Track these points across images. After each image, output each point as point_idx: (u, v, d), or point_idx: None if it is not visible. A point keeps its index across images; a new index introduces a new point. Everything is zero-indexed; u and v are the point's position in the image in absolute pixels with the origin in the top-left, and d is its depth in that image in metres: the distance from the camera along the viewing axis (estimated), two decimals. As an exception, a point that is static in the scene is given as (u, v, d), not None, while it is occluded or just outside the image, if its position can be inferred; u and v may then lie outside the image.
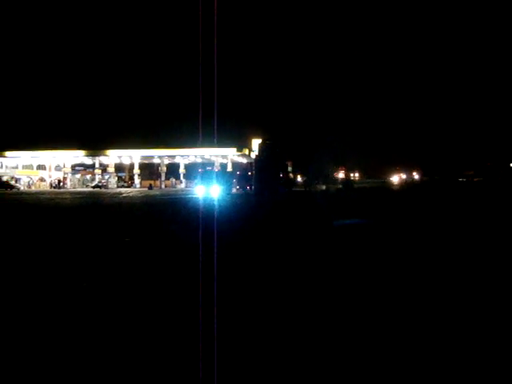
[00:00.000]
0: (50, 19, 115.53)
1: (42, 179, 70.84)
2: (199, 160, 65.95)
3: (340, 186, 49.11)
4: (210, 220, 11.31)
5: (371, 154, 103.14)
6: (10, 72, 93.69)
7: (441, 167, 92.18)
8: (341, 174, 59.47)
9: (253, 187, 41.41)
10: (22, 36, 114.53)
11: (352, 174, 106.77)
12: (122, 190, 56.33)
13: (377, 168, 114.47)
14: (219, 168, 56.44)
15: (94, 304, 3.84)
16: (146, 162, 70.82)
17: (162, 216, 13.30)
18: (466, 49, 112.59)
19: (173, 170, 70.94)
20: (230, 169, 59.56)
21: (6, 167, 68.77)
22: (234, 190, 39.66)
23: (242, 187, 44.49)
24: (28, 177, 69.88)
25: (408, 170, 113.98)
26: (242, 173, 52.17)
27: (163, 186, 65.95)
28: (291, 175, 58.16)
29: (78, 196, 33.96)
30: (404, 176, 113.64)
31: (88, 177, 72.97)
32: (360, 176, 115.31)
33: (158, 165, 69.04)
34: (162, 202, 22.44)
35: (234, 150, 62.39)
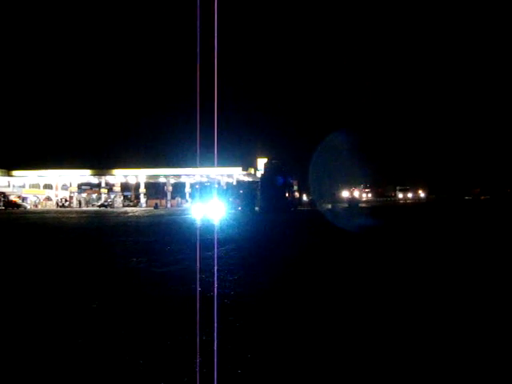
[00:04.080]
0: (57, 33, 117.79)
1: (48, 198, 71.30)
2: (205, 179, 66.22)
3: (346, 205, 49.05)
4: (218, 242, 11.34)
5: (381, 174, 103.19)
6: (18, 93, 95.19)
7: (447, 185, 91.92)
8: (347, 193, 59.44)
9: (241, 206, 41.19)
10: (28, 55, 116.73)
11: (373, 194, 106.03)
12: (128, 209, 56.45)
13: (389, 187, 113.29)
14: (219, 185, 56.43)
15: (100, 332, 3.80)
16: (152, 181, 71.23)
17: (168, 237, 13.26)
18: (472, 64, 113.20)
19: (178, 189, 71.26)
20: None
21: (14, 186, 69.35)
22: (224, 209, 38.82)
23: (234, 207, 42.34)
24: (35, 196, 70.36)
25: (415, 188, 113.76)
26: (232, 190, 49.31)
27: (169, 206, 66.11)
28: (297, 194, 58.18)
29: (83, 215, 34.06)
30: (411, 195, 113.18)
31: (94, 196, 73.38)
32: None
33: (164, 184, 69.39)
34: (167, 222, 22.43)
35: (240, 169, 62.71)
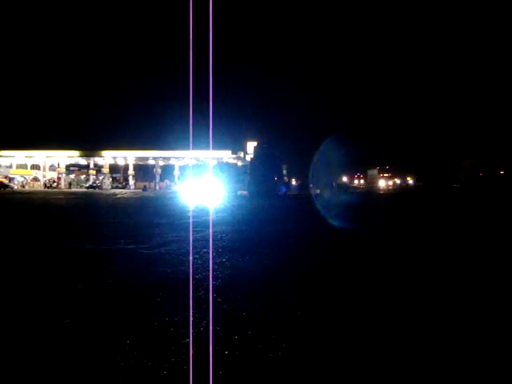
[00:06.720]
0: (46, 19, 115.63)
1: (36, 179, 70.58)
2: (194, 162, 66.05)
3: (335, 190, 49.40)
4: (210, 224, 11.35)
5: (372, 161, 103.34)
6: (6, 73, 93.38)
7: (435, 173, 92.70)
8: (342, 180, 59.71)
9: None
10: (18, 36, 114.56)
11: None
12: (117, 191, 56.13)
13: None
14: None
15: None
16: (141, 163, 70.78)
17: (157, 218, 13.20)
18: (459, 56, 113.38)
19: (167, 171, 70.98)
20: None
21: (0, 166, 68.45)
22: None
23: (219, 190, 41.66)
24: (22, 176, 69.59)
25: (403, 175, 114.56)
26: (215, 172, 47.69)
27: (158, 188, 65.88)
28: (286, 179, 58.24)
29: (71, 196, 33.78)
30: (398, 181, 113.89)
31: (82, 177, 72.79)
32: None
33: (153, 166, 69.01)
34: (158, 204, 22.36)
35: (229, 152, 62.54)
